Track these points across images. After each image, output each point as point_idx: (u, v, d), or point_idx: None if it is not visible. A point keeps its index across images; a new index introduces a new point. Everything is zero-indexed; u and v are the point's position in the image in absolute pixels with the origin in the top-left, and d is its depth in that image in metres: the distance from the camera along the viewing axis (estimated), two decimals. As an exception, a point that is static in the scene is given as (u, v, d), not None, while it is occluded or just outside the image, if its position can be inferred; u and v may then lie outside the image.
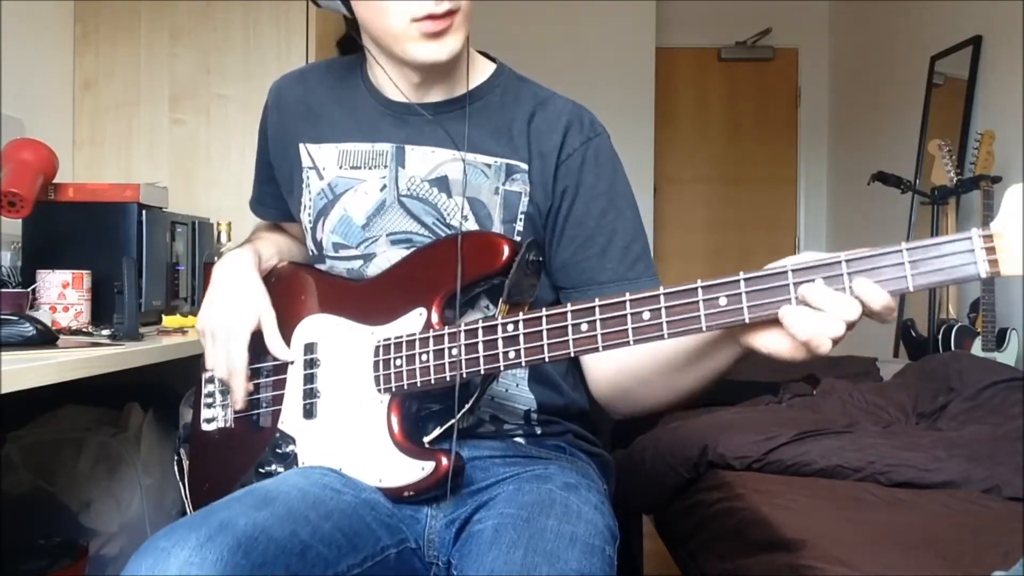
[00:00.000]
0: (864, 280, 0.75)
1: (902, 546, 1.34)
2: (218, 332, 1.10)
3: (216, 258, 1.96)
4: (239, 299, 1.11)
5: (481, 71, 1.15)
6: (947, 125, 3.47)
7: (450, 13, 1.02)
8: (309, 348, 1.11)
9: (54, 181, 1.77)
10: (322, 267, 1.18)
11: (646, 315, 0.83)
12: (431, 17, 1.01)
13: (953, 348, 2.82)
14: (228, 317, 1.10)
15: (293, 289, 1.17)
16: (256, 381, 1.13)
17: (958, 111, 3.39)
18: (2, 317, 1.31)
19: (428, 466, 0.98)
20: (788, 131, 4.98)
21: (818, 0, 4.86)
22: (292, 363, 1.11)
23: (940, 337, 2.90)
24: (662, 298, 0.83)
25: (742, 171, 4.97)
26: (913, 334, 3.17)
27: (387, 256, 1.12)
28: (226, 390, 1.16)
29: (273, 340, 1.10)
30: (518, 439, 1.13)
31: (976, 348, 2.79)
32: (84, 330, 1.62)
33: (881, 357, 3.00)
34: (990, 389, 2.19)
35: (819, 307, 0.76)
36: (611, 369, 1.06)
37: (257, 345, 1.11)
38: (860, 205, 4.33)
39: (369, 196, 1.13)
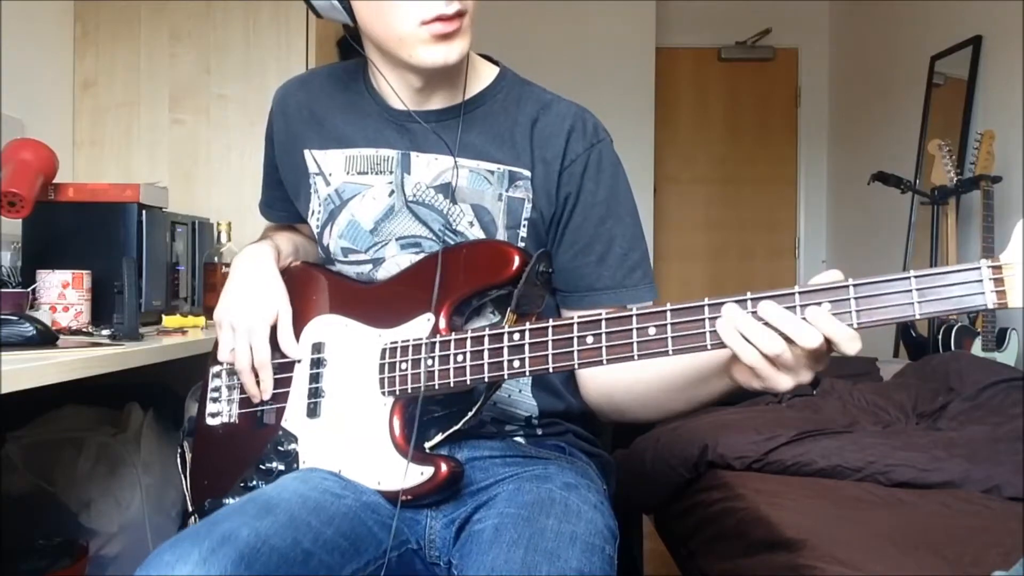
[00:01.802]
0: (819, 310, 0.77)
1: (902, 546, 1.34)
2: (238, 326, 1.11)
3: (216, 258, 1.96)
4: (259, 293, 1.12)
5: (483, 76, 1.14)
6: (947, 125, 3.47)
7: (459, 14, 1.01)
8: (316, 348, 1.11)
9: (54, 181, 1.77)
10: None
11: (651, 331, 0.84)
12: (441, 19, 1.00)
13: (953, 348, 2.82)
14: (249, 311, 1.11)
15: (304, 289, 1.17)
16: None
17: (958, 111, 3.40)
18: (2, 317, 1.31)
19: (427, 471, 0.98)
20: (788, 131, 4.98)
21: (818, 0, 4.86)
22: (299, 362, 1.12)
23: (940, 337, 2.90)
24: (668, 314, 0.83)
25: (742, 171, 4.97)
26: (913, 334, 3.17)
27: (396, 260, 1.13)
28: (233, 385, 1.17)
29: (286, 337, 1.11)
30: (518, 439, 1.14)
31: (976, 348, 2.80)
32: (84, 330, 1.62)
33: (881, 357, 3.00)
34: (990, 389, 2.19)
35: (773, 324, 0.78)
36: (605, 380, 1.07)
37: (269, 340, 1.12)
38: (860, 205, 4.33)
39: (377, 201, 1.13)
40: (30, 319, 1.34)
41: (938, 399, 2.24)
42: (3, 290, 1.55)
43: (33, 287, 1.62)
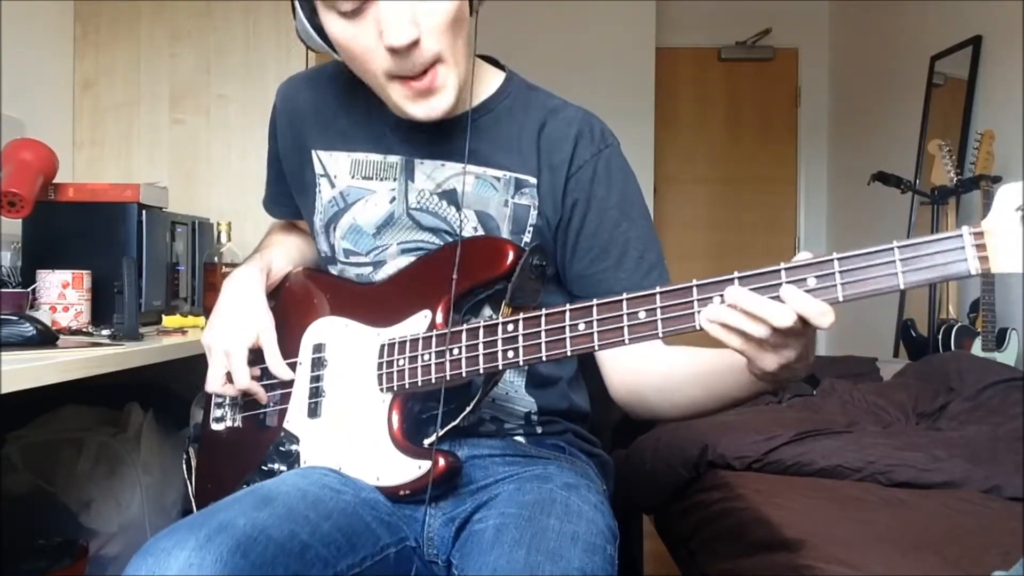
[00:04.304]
0: (789, 286, 0.77)
1: (902, 546, 1.34)
2: (215, 350, 1.11)
3: (216, 258, 1.96)
4: (239, 318, 1.11)
5: (490, 82, 1.13)
6: (947, 125, 3.47)
7: (427, 70, 0.97)
8: (317, 348, 1.12)
9: (54, 181, 1.77)
10: (333, 270, 1.19)
11: (642, 314, 0.84)
12: (404, 79, 0.98)
13: (953, 348, 2.82)
14: (227, 336, 1.10)
15: (305, 293, 1.18)
16: (264, 382, 1.13)
17: (958, 111, 3.40)
18: (2, 317, 1.31)
19: (425, 465, 0.99)
20: (788, 131, 4.98)
21: (818, 0, 4.86)
22: (300, 363, 1.12)
23: (940, 337, 2.90)
24: (657, 298, 0.83)
25: (742, 171, 4.97)
26: (913, 334, 3.18)
27: (396, 264, 1.13)
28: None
29: (273, 359, 1.10)
30: (518, 438, 1.14)
31: (976, 348, 2.80)
32: (84, 330, 1.62)
33: (881, 357, 3.00)
34: (990, 389, 2.19)
35: (745, 309, 0.78)
36: (630, 375, 1.07)
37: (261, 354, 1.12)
38: (860, 205, 4.34)
39: (379, 207, 1.13)
40: (30, 319, 1.34)
41: (938, 399, 2.24)
42: (3, 290, 1.55)
43: (33, 287, 1.62)
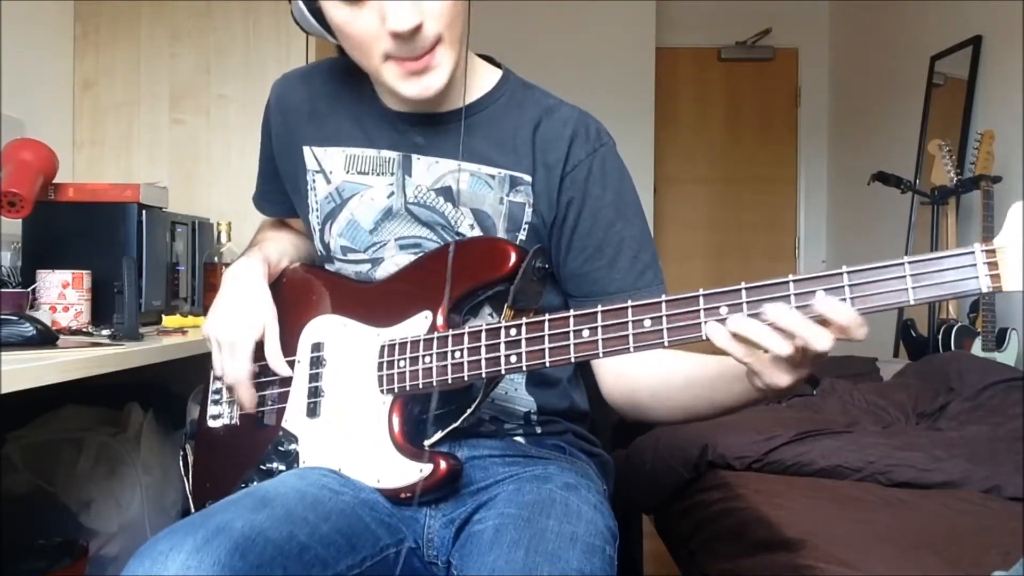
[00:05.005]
0: (827, 298, 0.75)
1: (902, 546, 1.34)
2: (223, 342, 1.11)
3: (216, 258, 1.96)
4: (244, 310, 1.11)
5: (486, 80, 1.13)
6: (947, 125, 3.47)
7: (425, 51, 0.99)
8: (316, 347, 1.11)
9: (54, 181, 1.77)
10: (331, 268, 1.18)
11: (647, 323, 0.84)
12: (402, 58, 0.99)
13: (953, 348, 2.82)
14: (233, 328, 1.10)
15: (303, 290, 1.17)
16: (263, 379, 1.13)
17: (958, 111, 3.40)
18: (2, 317, 1.31)
19: (426, 468, 0.98)
20: (788, 131, 4.98)
21: (818, 0, 4.86)
22: (299, 362, 1.12)
23: (940, 337, 2.90)
24: (663, 306, 0.83)
25: (742, 171, 4.97)
26: (913, 334, 3.18)
27: (395, 260, 1.13)
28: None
29: (273, 354, 1.10)
30: (518, 438, 1.14)
31: (976, 348, 2.80)
32: (84, 330, 1.62)
33: (881, 357, 3.00)
34: (990, 389, 2.19)
35: (779, 326, 0.77)
36: (625, 377, 1.07)
37: (262, 350, 1.12)
38: (860, 205, 4.33)
39: (376, 202, 1.13)
40: (30, 319, 1.34)
41: (938, 399, 2.24)
42: (3, 290, 1.55)
43: (33, 287, 1.62)
